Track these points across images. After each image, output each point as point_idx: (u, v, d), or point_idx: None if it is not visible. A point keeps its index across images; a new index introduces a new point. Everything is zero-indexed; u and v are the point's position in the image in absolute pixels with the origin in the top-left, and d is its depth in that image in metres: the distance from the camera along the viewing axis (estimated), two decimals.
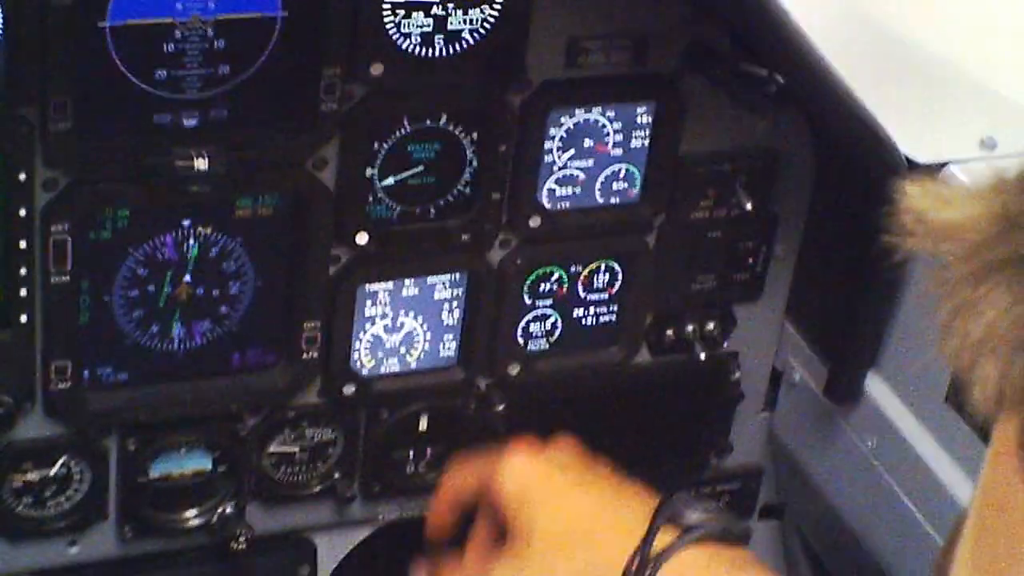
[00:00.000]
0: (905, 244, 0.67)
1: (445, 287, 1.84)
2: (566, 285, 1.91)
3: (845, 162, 1.87)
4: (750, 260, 1.97)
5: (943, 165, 1.75)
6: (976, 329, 0.62)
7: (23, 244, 1.59)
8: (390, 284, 1.81)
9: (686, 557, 1.48)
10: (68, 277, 1.62)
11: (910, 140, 1.75)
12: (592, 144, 1.83)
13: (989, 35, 2.00)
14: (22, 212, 1.57)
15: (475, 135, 1.75)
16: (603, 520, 1.56)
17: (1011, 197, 0.65)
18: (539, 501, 1.56)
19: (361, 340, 1.83)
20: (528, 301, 1.90)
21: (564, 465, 1.64)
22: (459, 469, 1.69)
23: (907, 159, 1.76)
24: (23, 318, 1.63)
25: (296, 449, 1.86)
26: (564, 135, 1.81)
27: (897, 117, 1.75)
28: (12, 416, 1.67)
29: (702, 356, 1.98)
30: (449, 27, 1.65)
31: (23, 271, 1.60)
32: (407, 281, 1.82)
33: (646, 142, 1.85)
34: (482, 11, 1.66)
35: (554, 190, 1.83)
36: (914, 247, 0.67)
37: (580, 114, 1.80)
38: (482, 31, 1.67)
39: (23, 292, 1.61)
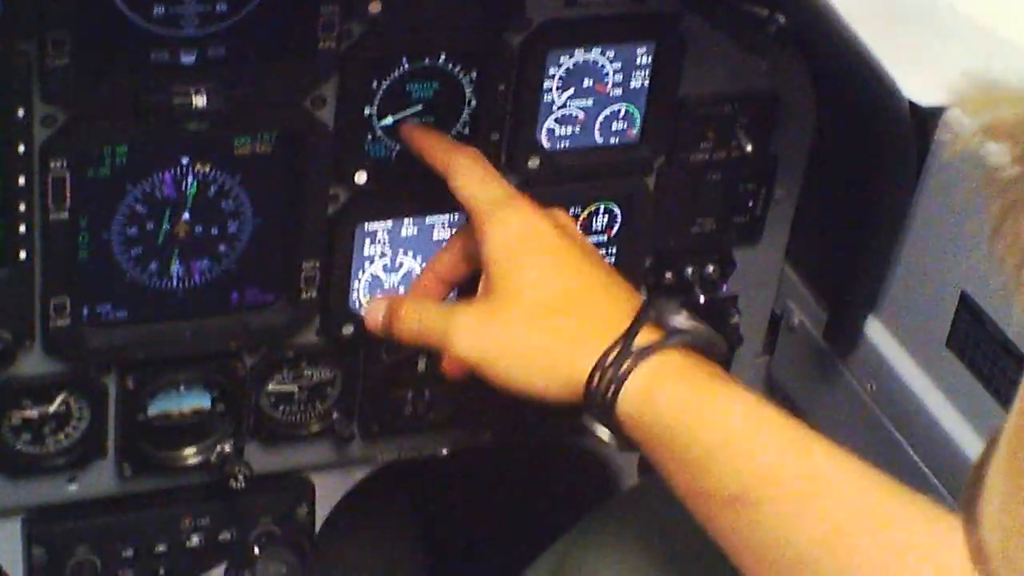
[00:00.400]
0: (954, 145, 0.65)
1: (444, 227, 1.84)
2: None
3: (846, 105, 1.86)
4: (750, 203, 1.96)
5: (945, 109, 1.74)
6: None
7: (22, 181, 1.58)
8: (389, 223, 1.80)
9: (666, 359, 1.46)
10: (67, 214, 1.62)
11: (913, 83, 1.74)
12: (591, 84, 1.82)
13: None
14: (21, 148, 1.56)
15: (474, 74, 1.75)
16: (596, 290, 1.55)
17: None
18: (532, 252, 1.55)
19: (360, 280, 1.83)
20: None
21: (563, 224, 1.61)
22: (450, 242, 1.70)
23: (909, 102, 1.75)
24: (22, 255, 1.63)
25: (295, 388, 1.86)
26: (563, 75, 1.80)
27: (900, 59, 1.74)
28: (11, 353, 1.66)
29: (701, 299, 1.98)
30: None
31: (22, 208, 1.60)
32: (406, 220, 1.81)
33: (646, 83, 1.84)
34: None
35: (553, 130, 1.83)
36: (963, 147, 0.65)
37: (580, 54, 1.79)
38: None
39: (22, 229, 1.61)
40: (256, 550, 1.84)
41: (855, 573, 1.32)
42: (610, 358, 1.47)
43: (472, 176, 1.65)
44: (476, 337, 1.55)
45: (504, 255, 1.58)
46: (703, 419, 1.42)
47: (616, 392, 1.45)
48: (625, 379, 1.45)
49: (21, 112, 1.55)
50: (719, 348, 1.52)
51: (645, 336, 1.49)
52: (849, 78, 1.76)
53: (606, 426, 1.49)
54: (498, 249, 1.58)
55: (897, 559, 1.30)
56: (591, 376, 1.47)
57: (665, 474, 1.45)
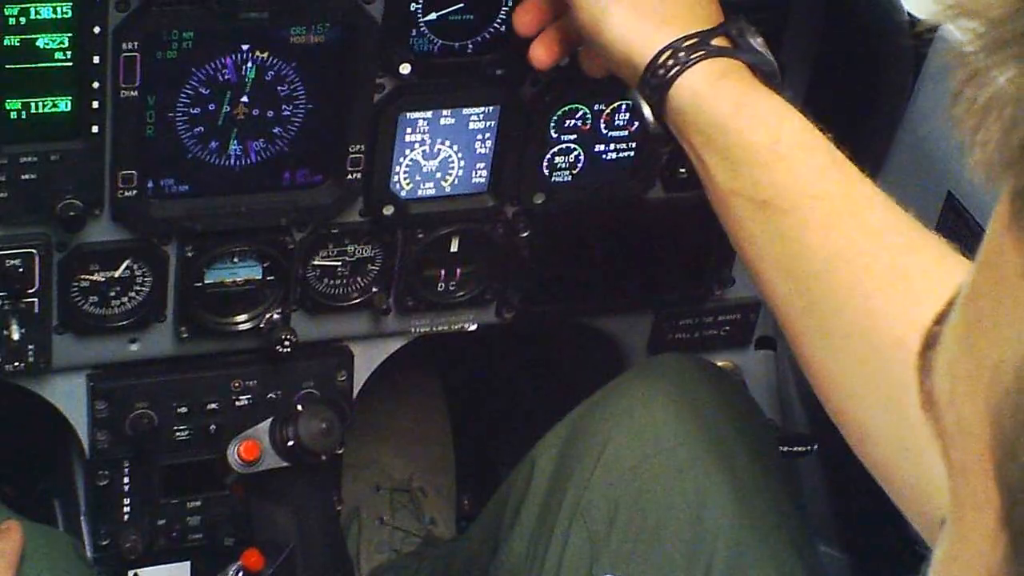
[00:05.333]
0: (930, 14, 0.66)
1: (479, 119, 1.85)
2: (590, 122, 1.91)
3: (850, 16, 1.87)
4: None
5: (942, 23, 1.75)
6: (984, 94, 0.62)
7: (96, 60, 1.60)
8: (429, 113, 1.82)
9: (734, 64, 1.45)
10: (136, 92, 1.63)
11: None
12: None
13: None
14: (96, 30, 1.58)
15: None
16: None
17: None
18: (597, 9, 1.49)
19: (401, 165, 1.84)
20: (554, 135, 1.90)
21: None
22: None
23: (909, 15, 1.76)
24: (94, 129, 1.64)
25: (338, 263, 1.88)
26: None
27: None
28: (82, 220, 1.68)
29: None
30: None
31: (95, 85, 1.61)
32: (444, 111, 1.82)
33: None
34: None
35: None
36: (936, 17, 0.64)
37: None
38: None
39: (95, 104, 1.63)
40: (299, 407, 1.86)
41: (864, 292, 1.33)
42: (687, 43, 1.45)
43: None
44: None
45: None
46: (756, 121, 1.41)
47: (679, 72, 1.43)
48: (692, 64, 1.43)
49: None
50: (776, 85, 1.50)
51: (722, 41, 1.48)
52: None
53: (653, 107, 1.46)
54: None
55: (906, 288, 1.32)
56: (663, 51, 1.44)
57: (703, 168, 1.44)
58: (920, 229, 1.37)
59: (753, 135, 1.41)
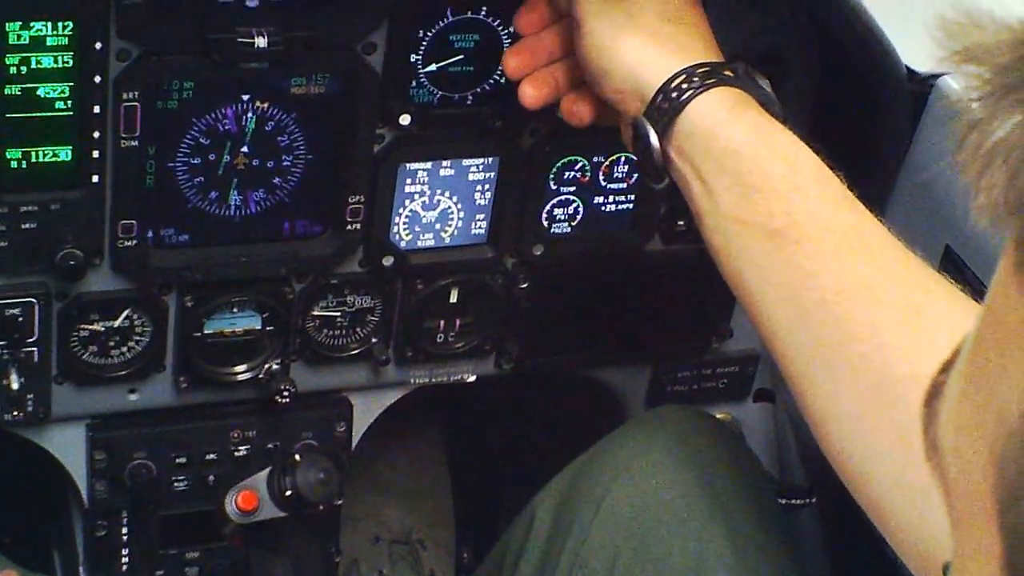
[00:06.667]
0: (936, 61, 0.66)
1: (479, 169, 1.84)
2: (589, 174, 1.90)
3: (847, 68, 1.86)
4: None
5: (940, 75, 1.74)
6: (989, 139, 0.61)
7: (97, 109, 1.59)
8: (428, 164, 1.81)
9: (747, 96, 1.45)
10: (136, 142, 1.62)
11: (911, 50, 1.74)
12: None
13: None
14: (97, 79, 1.57)
15: (512, 28, 1.73)
16: (705, 25, 1.52)
17: None
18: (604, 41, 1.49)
19: (400, 215, 1.83)
20: (553, 187, 1.89)
21: None
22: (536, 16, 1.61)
23: (907, 68, 1.75)
24: (95, 179, 1.63)
25: (338, 314, 1.87)
26: None
27: (900, 28, 1.73)
28: (82, 270, 1.67)
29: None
30: None
31: (96, 135, 1.61)
32: (444, 162, 1.81)
33: None
34: None
35: None
36: (942, 64, 0.65)
37: None
38: None
39: (95, 154, 1.62)
40: (297, 457, 1.84)
41: (875, 325, 1.31)
42: (700, 70, 1.44)
43: None
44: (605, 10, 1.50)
45: None
46: (773, 150, 1.40)
47: (693, 96, 1.42)
48: (706, 89, 1.42)
49: (99, 46, 1.55)
50: (778, 108, 1.49)
51: (731, 74, 1.46)
52: (851, 43, 1.75)
53: (660, 134, 1.44)
54: None
55: (918, 324, 1.30)
56: (677, 74, 1.43)
57: (709, 194, 1.42)
58: (929, 268, 1.35)
59: (770, 163, 1.40)
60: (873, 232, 1.38)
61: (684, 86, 1.43)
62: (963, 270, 1.70)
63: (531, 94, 1.61)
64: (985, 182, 0.61)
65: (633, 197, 1.94)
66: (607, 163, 1.91)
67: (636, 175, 1.92)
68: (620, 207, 1.95)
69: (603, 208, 1.94)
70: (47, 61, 1.55)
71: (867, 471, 1.31)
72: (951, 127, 0.64)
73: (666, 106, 1.43)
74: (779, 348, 1.40)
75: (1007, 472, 0.60)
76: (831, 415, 1.35)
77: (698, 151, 1.43)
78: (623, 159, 1.91)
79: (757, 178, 1.39)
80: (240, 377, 1.85)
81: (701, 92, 1.43)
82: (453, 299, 1.92)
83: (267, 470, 1.90)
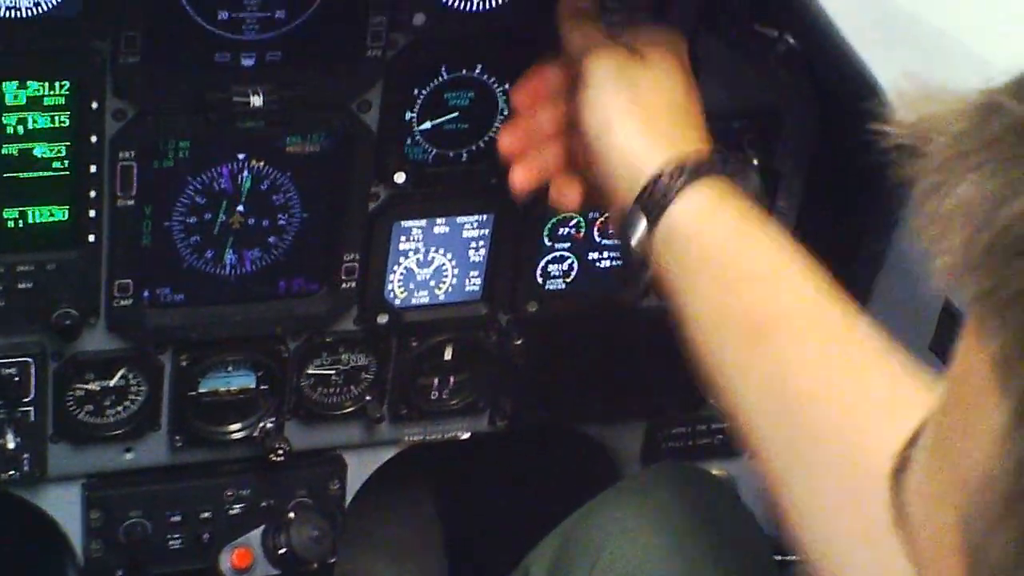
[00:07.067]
0: (891, 138, 0.68)
1: (473, 227, 1.84)
2: (583, 230, 1.91)
3: (846, 122, 1.87)
4: None
5: None
6: (947, 203, 0.63)
7: (93, 169, 1.60)
8: (423, 221, 1.81)
9: (736, 190, 1.46)
10: (132, 201, 1.63)
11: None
12: None
13: (989, 10, 2.00)
14: (93, 139, 1.58)
15: (507, 85, 1.75)
16: (697, 116, 1.54)
17: (996, 92, 0.66)
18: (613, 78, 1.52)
19: (395, 273, 1.83)
20: (548, 243, 1.90)
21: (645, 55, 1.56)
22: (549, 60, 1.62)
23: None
24: (91, 238, 1.64)
25: (332, 372, 1.87)
26: None
27: (897, 83, 1.74)
28: (77, 329, 1.67)
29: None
30: None
31: (92, 194, 1.61)
32: (439, 220, 1.82)
33: None
34: None
35: None
36: (899, 138, 0.67)
37: None
38: None
39: (91, 214, 1.62)
40: (291, 515, 1.84)
41: (856, 421, 1.30)
42: (691, 160, 1.45)
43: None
44: (610, 97, 1.52)
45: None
46: (758, 244, 1.42)
47: (682, 188, 1.43)
48: (694, 182, 1.43)
49: (95, 105, 1.56)
50: (763, 198, 1.52)
51: (720, 163, 1.48)
52: (849, 97, 1.76)
53: (649, 225, 1.45)
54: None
55: (899, 419, 1.27)
56: (667, 164, 1.45)
57: (694, 290, 1.42)
58: (910, 362, 1.33)
59: (752, 259, 1.41)
60: (856, 325, 1.37)
61: (674, 178, 1.45)
62: (962, 324, 1.70)
63: (521, 179, 1.63)
64: (944, 245, 0.63)
65: None
66: (602, 219, 1.91)
67: (619, 239, 1.91)
68: (615, 263, 1.95)
69: (598, 264, 1.94)
70: (44, 121, 1.56)
71: (843, 570, 1.30)
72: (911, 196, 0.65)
73: (657, 198, 1.45)
74: (757, 444, 1.38)
75: (973, 530, 0.61)
76: (807, 512, 1.33)
77: (683, 246, 1.44)
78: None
79: (738, 273, 1.40)
80: (235, 436, 1.85)
81: (689, 185, 1.44)
82: (448, 356, 1.91)
83: (261, 528, 1.89)
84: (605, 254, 1.94)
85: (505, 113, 1.76)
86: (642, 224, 1.46)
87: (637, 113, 1.50)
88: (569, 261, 1.92)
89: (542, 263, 1.91)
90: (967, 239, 0.62)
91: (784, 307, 1.38)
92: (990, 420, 0.61)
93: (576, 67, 1.55)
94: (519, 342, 1.93)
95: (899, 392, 1.31)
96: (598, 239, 1.92)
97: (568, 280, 1.93)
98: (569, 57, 1.58)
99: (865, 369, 1.33)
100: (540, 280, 1.92)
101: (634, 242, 1.46)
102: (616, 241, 1.92)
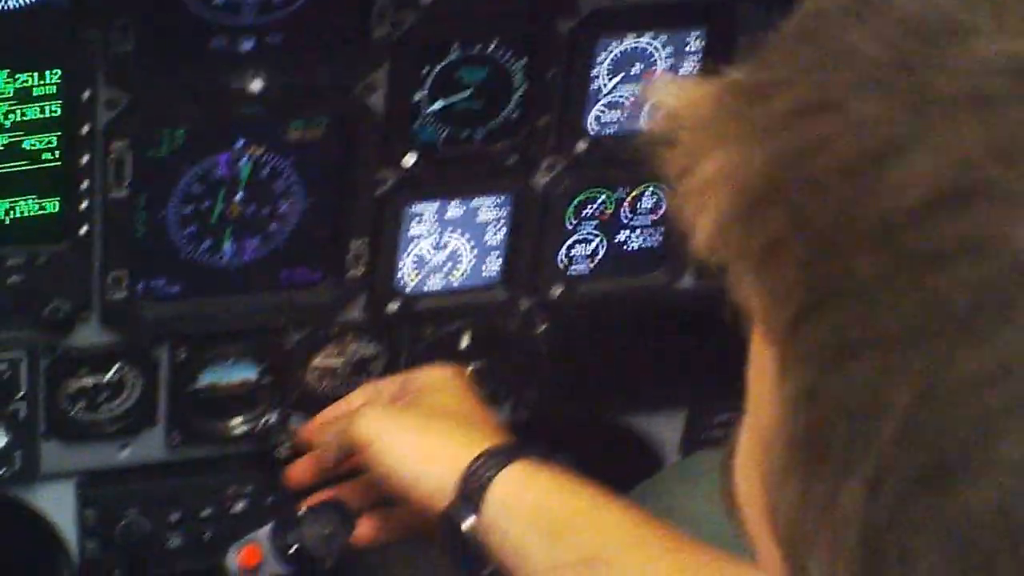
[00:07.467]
0: (648, 132, 0.81)
1: (490, 208, 1.95)
2: (611, 208, 2.01)
3: None
4: None
5: None
6: (695, 181, 0.77)
7: (85, 159, 1.72)
8: (435, 204, 1.92)
9: (545, 463, 1.73)
10: (126, 192, 1.76)
11: None
12: (640, 70, 1.93)
13: None
14: (85, 129, 1.71)
15: (524, 61, 1.87)
16: (482, 414, 1.85)
17: (742, 72, 0.79)
18: (384, 444, 1.78)
19: (406, 258, 1.95)
20: (572, 224, 2.00)
21: (409, 408, 1.86)
22: (320, 428, 1.94)
23: None
24: (83, 230, 1.76)
25: (339, 363, 1.99)
26: (613, 61, 1.92)
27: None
28: (70, 323, 1.80)
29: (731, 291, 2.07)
30: None
31: (84, 185, 1.74)
32: (452, 202, 1.93)
33: (695, 69, 1.94)
34: None
35: (601, 115, 1.94)
36: (654, 131, 0.80)
37: (629, 40, 1.91)
38: None
39: (83, 205, 1.75)
40: (303, 510, 1.95)
41: None
42: (496, 450, 1.71)
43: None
44: (379, 417, 1.81)
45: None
46: (578, 489, 1.69)
47: (498, 469, 1.69)
48: (509, 462, 1.69)
49: (87, 94, 1.70)
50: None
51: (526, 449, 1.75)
52: None
53: (473, 516, 1.69)
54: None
55: None
56: (477, 458, 1.70)
57: (527, 556, 1.66)
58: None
59: (574, 502, 1.68)
60: (678, 536, 1.64)
61: (488, 463, 1.70)
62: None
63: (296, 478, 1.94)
64: (701, 219, 0.77)
65: (662, 231, 2.05)
66: (631, 196, 2.02)
67: (663, 208, 2.03)
68: (646, 243, 2.06)
69: (627, 245, 2.06)
70: (33, 112, 1.70)
71: None
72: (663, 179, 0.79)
73: (474, 486, 1.69)
74: None
75: (771, 493, 0.77)
76: None
77: (508, 519, 1.68)
78: (650, 191, 2.02)
79: (564, 520, 1.66)
80: (236, 431, 1.98)
81: (503, 467, 1.69)
82: (464, 345, 2.03)
83: (270, 524, 2.01)
84: (636, 234, 2.05)
85: (522, 90, 1.88)
86: (466, 520, 1.69)
87: (425, 429, 1.77)
88: (595, 242, 2.03)
89: (566, 245, 2.01)
90: (718, 205, 0.75)
91: (612, 529, 1.64)
92: (768, 374, 0.76)
93: (345, 446, 1.83)
94: (543, 328, 2.04)
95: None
96: (627, 218, 2.03)
97: (595, 262, 2.04)
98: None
99: (697, 570, 1.60)
100: (564, 263, 2.02)
101: (460, 541, 1.69)
102: (648, 219, 2.04)
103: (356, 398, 1.94)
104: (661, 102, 0.79)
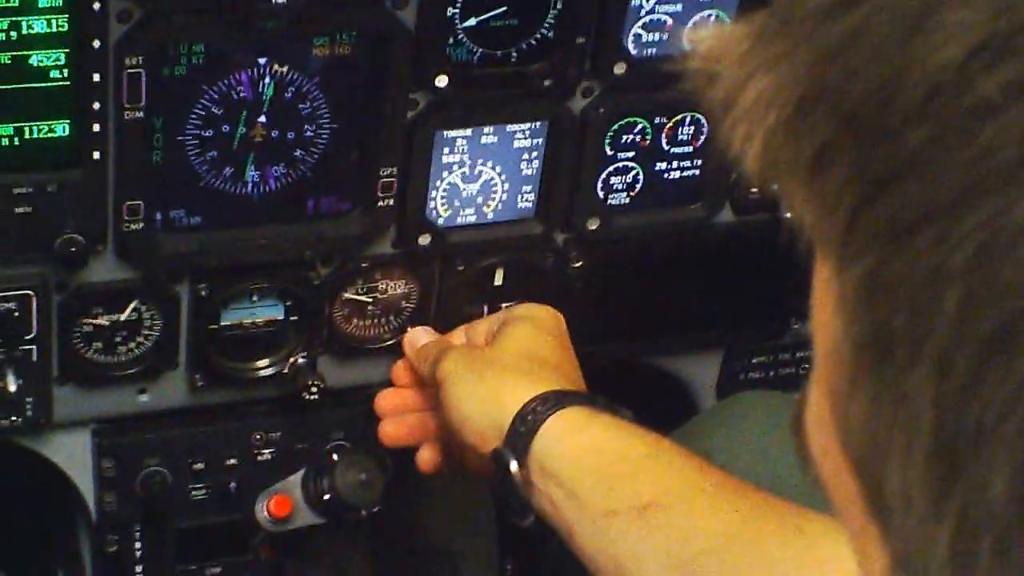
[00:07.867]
0: (687, 70, 0.79)
1: (525, 136, 1.87)
2: (650, 137, 1.93)
3: None
4: None
5: None
6: (738, 109, 0.75)
7: (96, 78, 1.62)
8: (468, 131, 1.84)
9: (604, 408, 1.68)
10: (141, 113, 1.66)
11: None
12: None
13: None
14: (96, 44, 1.60)
15: None
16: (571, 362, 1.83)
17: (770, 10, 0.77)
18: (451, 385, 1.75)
19: (438, 189, 1.86)
20: (610, 153, 1.92)
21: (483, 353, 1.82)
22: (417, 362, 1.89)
23: None
24: (95, 155, 1.66)
25: (369, 300, 1.90)
26: None
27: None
28: (83, 257, 1.70)
29: (787, 215, 1.98)
30: None
31: (96, 106, 1.63)
32: (486, 129, 1.84)
33: None
34: None
35: (640, 35, 1.85)
36: (694, 69, 0.78)
37: None
38: None
39: (96, 128, 1.65)
40: (335, 456, 1.87)
41: (756, 557, 1.53)
42: (554, 392, 1.67)
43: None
44: (455, 358, 1.77)
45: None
46: (634, 436, 1.65)
47: (550, 413, 1.64)
48: (562, 407, 1.65)
49: (97, 6, 1.58)
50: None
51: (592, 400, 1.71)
52: None
53: (520, 460, 1.64)
54: None
55: (789, 544, 1.53)
56: (531, 400, 1.66)
57: (578, 499, 1.61)
58: (786, 508, 1.57)
59: (632, 448, 1.64)
60: (739, 484, 1.61)
61: (539, 408, 1.66)
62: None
63: (388, 433, 1.89)
64: (749, 145, 0.75)
65: (700, 162, 1.97)
66: (671, 124, 1.93)
67: (703, 137, 1.95)
68: (685, 174, 1.97)
69: (666, 176, 1.97)
70: (40, 25, 1.58)
71: None
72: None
73: (523, 429, 1.65)
74: None
75: (837, 408, 0.74)
76: None
77: (558, 462, 1.63)
78: (689, 119, 1.93)
79: (621, 465, 1.62)
80: (262, 373, 1.89)
81: (556, 410, 1.65)
82: (498, 281, 1.95)
83: (301, 472, 1.93)
84: (675, 164, 1.97)
85: (559, 7, 1.78)
86: (512, 463, 1.64)
87: (498, 367, 1.73)
88: (634, 172, 1.95)
89: (603, 175, 1.93)
90: (766, 123, 0.74)
91: (670, 479, 1.60)
92: (830, 293, 0.74)
93: (431, 378, 1.79)
94: (578, 264, 1.96)
95: (794, 519, 1.53)
96: (666, 148, 1.95)
97: (632, 194, 1.96)
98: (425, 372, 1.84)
99: (757, 509, 1.56)
100: (601, 194, 1.95)
101: (508, 482, 1.65)
102: (687, 149, 1.95)
103: (456, 336, 1.90)
104: (700, 42, 0.79)
